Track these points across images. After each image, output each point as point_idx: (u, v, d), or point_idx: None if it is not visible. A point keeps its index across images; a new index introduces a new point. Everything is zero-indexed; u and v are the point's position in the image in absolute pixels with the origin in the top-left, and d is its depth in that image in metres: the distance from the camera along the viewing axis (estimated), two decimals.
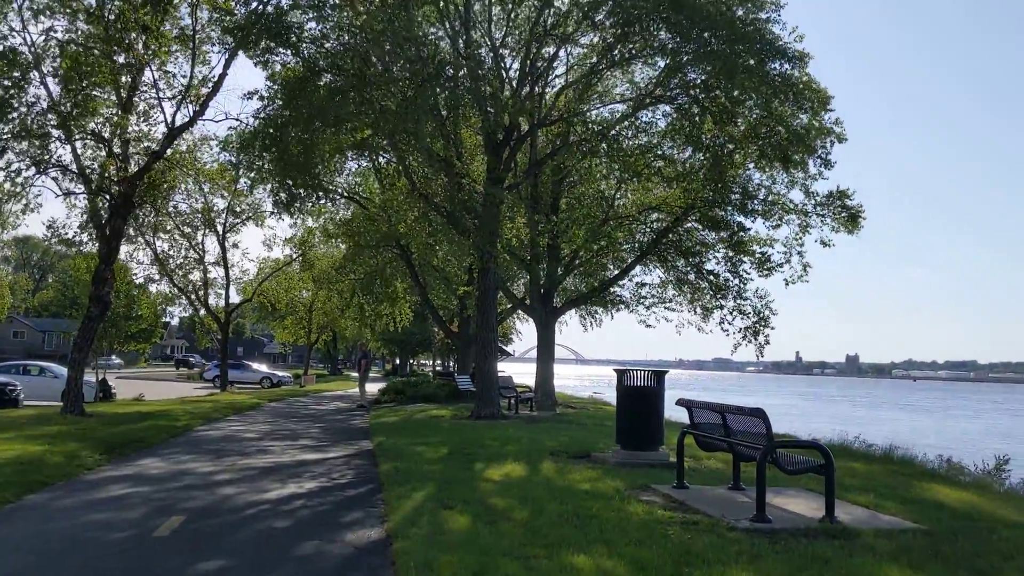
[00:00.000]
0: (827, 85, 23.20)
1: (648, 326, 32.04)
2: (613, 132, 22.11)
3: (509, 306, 36.69)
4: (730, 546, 7.38)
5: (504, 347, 62.48)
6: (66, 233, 24.20)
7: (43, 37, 18.89)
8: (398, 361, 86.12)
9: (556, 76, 25.28)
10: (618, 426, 13.28)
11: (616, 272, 30.48)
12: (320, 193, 24.63)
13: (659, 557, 6.90)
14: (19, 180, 19.69)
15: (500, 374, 26.02)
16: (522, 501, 9.42)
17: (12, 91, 18.58)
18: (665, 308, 30.97)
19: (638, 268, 30.13)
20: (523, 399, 26.75)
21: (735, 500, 9.81)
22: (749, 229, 26.96)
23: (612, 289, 30.93)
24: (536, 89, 23.06)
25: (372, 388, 37.41)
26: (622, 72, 25.31)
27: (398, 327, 44.46)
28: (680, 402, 11.35)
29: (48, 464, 11.94)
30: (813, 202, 25.79)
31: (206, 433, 18.96)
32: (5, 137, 18.90)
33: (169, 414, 22.21)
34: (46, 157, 20.13)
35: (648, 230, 28.96)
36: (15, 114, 18.88)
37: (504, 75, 22.52)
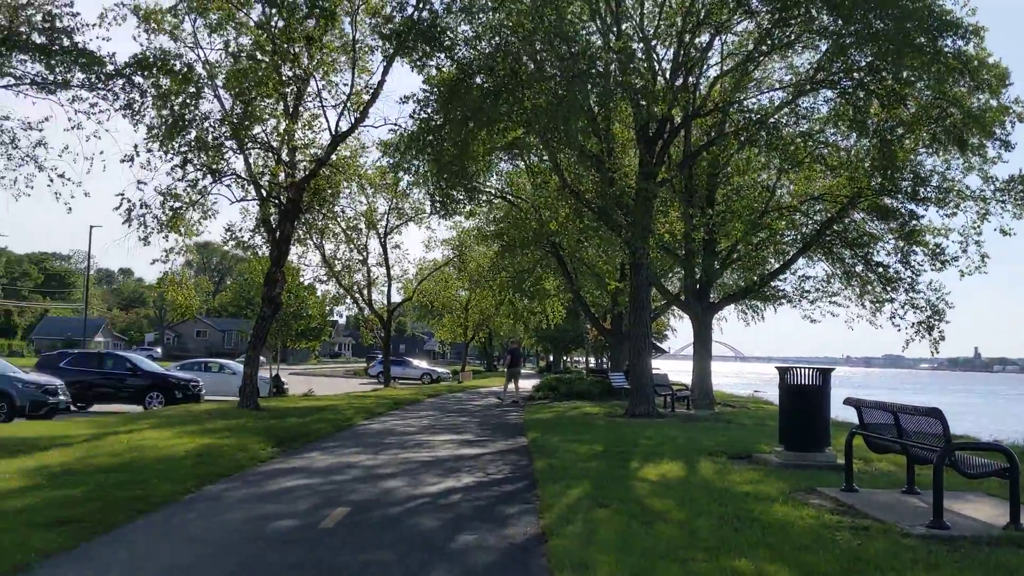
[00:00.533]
0: (1005, 60, 21.54)
1: (812, 321, 30.80)
2: (772, 120, 21.30)
3: (663, 302, 36.08)
4: (904, 553, 6.93)
5: (658, 344, 61.66)
6: (242, 237, 25.67)
7: (215, 53, 20.04)
8: (551, 358, 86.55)
9: (710, 66, 24.65)
10: (781, 426, 12.79)
11: (777, 265, 29.40)
12: (473, 194, 25.00)
13: (827, 563, 6.56)
14: (197, 189, 20.99)
15: (655, 371, 25.63)
16: (679, 502, 9.20)
17: (188, 106, 19.78)
18: (830, 302, 29.63)
19: (801, 261, 28.95)
20: (679, 397, 26.25)
21: (909, 505, 9.22)
22: (922, 217, 25.36)
23: (773, 283, 29.85)
24: (690, 79, 22.53)
25: (525, 384, 37.65)
26: (780, 57, 24.39)
27: (551, 324, 44.66)
28: (848, 401, 10.78)
29: (225, 456, 12.66)
30: (992, 187, 24.00)
31: (369, 427, 19.64)
32: (184, 150, 20.15)
33: (335, 408, 23.17)
34: (221, 167, 21.35)
35: (811, 221, 27.76)
36: (192, 128, 20.10)
37: (656, 67, 22.14)
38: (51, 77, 13.60)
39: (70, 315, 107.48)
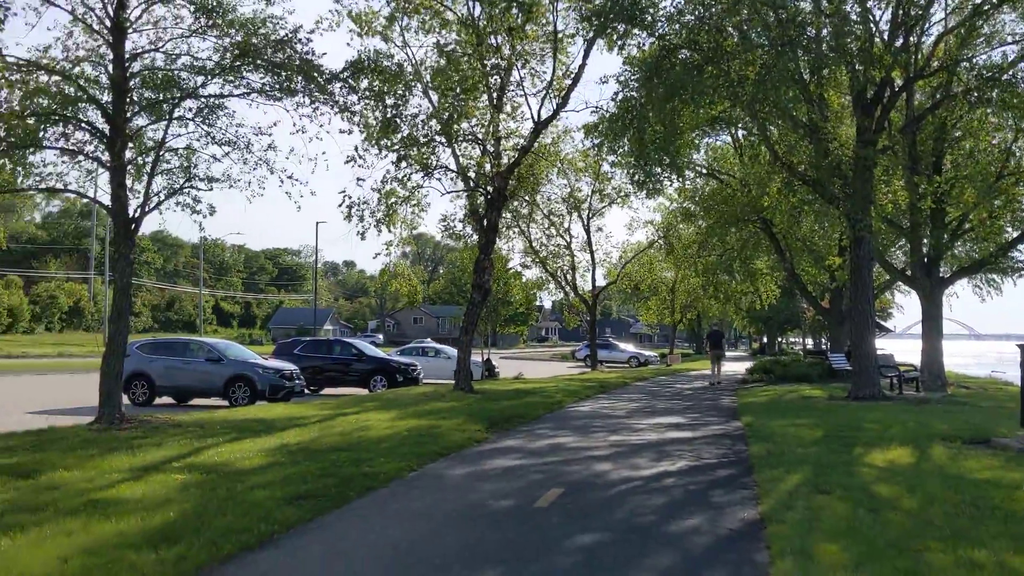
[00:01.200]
0: None
1: None
2: (1006, 77, 19.40)
3: (887, 278, 33.94)
4: None
5: (882, 323, 58.05)
6: (454, 227, 26.63)
7: (422, 51, 20.86)
8: (764, 340, 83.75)
9: (933, 23, 22.79)
10: (1023, 408, 11.70)
11: (1016, 234, 26.84)
12: (677, 172, 24.51)
13: None
14: (410, 184, 21.97)
15: (879, 351, 24.17)
16: (909, 489, 8.63)
17: (400, 106, 20.64)
18: None
19: None
20: (906, 379, 24.62)
21: None
22: None
23: (1012, 254, 27.28)
24: (911, 39, 20.92)
25: (738, 367, 36.85)
26: (1011, 7, 22.15)
27: (763, 304, 43.15)
28: None
29: (444, 436, 13.21)
30: None
31: (578, 409, 19.84)
32: (397, 147, 21.10)
33: (544, 391, 23.60)
34: (431, 162, 22.21)
35: None
36: (405, 126, 20.99)
37: (873, 28, 20.73)
38: (277, 86, 14.62)
39: (301, 305, 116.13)
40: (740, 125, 26.90)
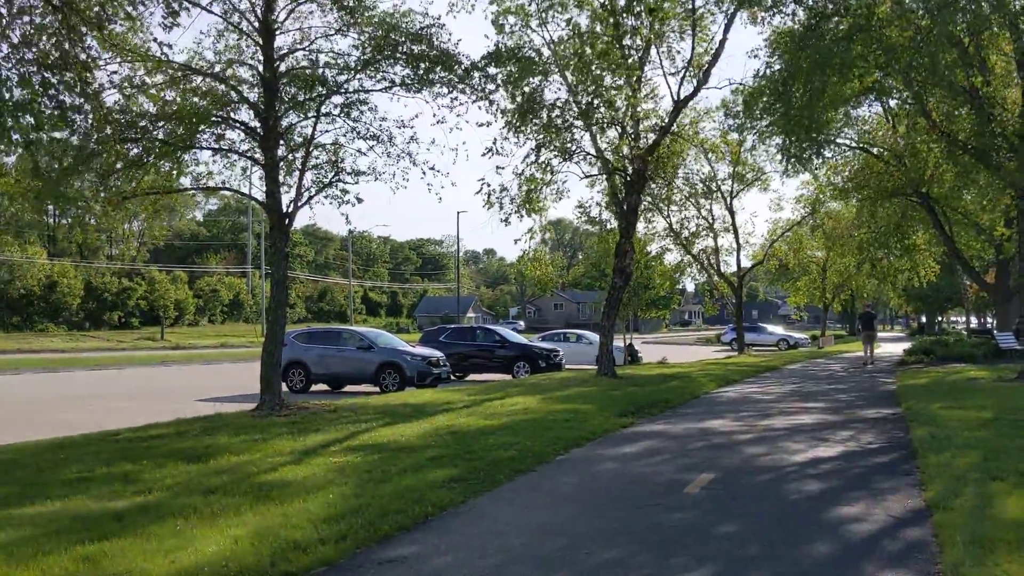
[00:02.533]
0: None
1: None
2: None
3: None
4: None
5: None
6: (591, 211, 26.50)
7: (560, 32, 20.68)
8: (924, 319, 79.48)
9: None
10: None
11: None
12: (824, 146, 23.48)
13: None
14: (549, 169, 21.95)
15: None
16: None
17: (538, 91, 20.63)
18: None
19: None
20: None
21: None
22: None
23: None
24: None
25: (895, 348, 35.22)
26: None
27: (922, 282, 40.92)
28: None
29: (589, 420, 13.21)
30: None
31: (725, 394, 19.43)
32: (537, 135, 21.10)
33: (689, 376, 23.24)
34: (570, 147, 22.14)
35: None
36: (543, 111, 20.96)
37: None
38: (416, 78, 14.96)
39: (445, 294, 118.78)
40: (893, 95, 25.48)
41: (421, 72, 14.88)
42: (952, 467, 8.79)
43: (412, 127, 15.61)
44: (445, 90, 15.27)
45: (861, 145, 30.92)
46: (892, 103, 28.36)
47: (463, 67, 15.10)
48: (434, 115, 15.32)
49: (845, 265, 50.08)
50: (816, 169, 27.07)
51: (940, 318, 78.68)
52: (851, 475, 9.20)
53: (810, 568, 5.86)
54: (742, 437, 12.09)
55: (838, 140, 29.00)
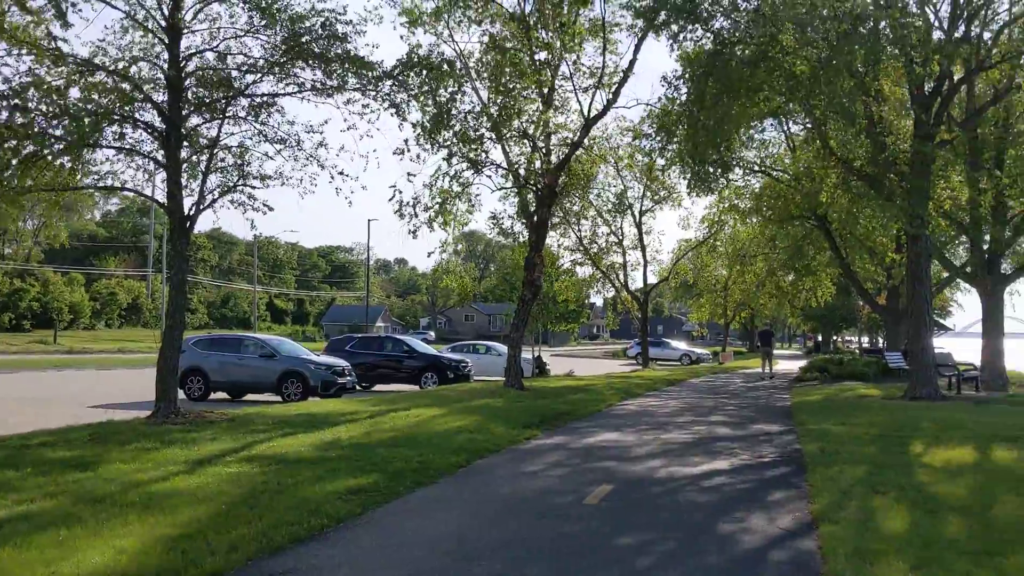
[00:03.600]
0: None
1: None
2: None
3: (946, 275, 33.17)
4: None
5: (941, 321, 56.74)
6: (503, 224, 26.59)
7: (470, 46, 20.81)
8: (819, 338, 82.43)
9: (996, 13, 22.13)
10: None
11: None
12: (728, 169, 24.16)
13: None
14: (460, 180, 21.94)
15: (938, 350, 23.61)
16: (970, 491, 8.42)
17: (453, 101, 20.61)
18: None
19: None
20: (966, 378, 23.98)
21: None
22: None
23: None
24: (972, 30, 20.35)
25: (791, 365, 36.54)
26: None
27: (819, 302, 42.49)
28: None
29: (493, 432, 13.23)
30: None
31: (628, 407, 19.72)
32: (449, 143, 21.06)
33: (595, 389, 23.52)
34: (481, 158, 22.18)
35: None
36: (456, 122, 20.94)
37: (932, 18, 20.21)
38: (328, 82, 14.78)
39: (354, 303, 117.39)
40: (794, 120, 26.46)
41: (332, 76, 14.70)
42: (839, 481, 9.12)
43: (322, 132, 15.36)
44: (357, 96, 15.13)
45: (764, 169, 31.97)
46: (794, 129, 29.46)
47: (375, 74, 14.99)
48: (345, 120, 15.15)
49: (746, 284, 51.57)
50: (719, 191, 27.83)
51: (835, 337, 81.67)
52: (744, 488, 9.44)
53: None
54: (642, 450, 12.28)
55: (742, 163, 29.92)
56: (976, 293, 27.58)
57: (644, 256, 43.95)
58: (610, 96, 22.68)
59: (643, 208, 42.59)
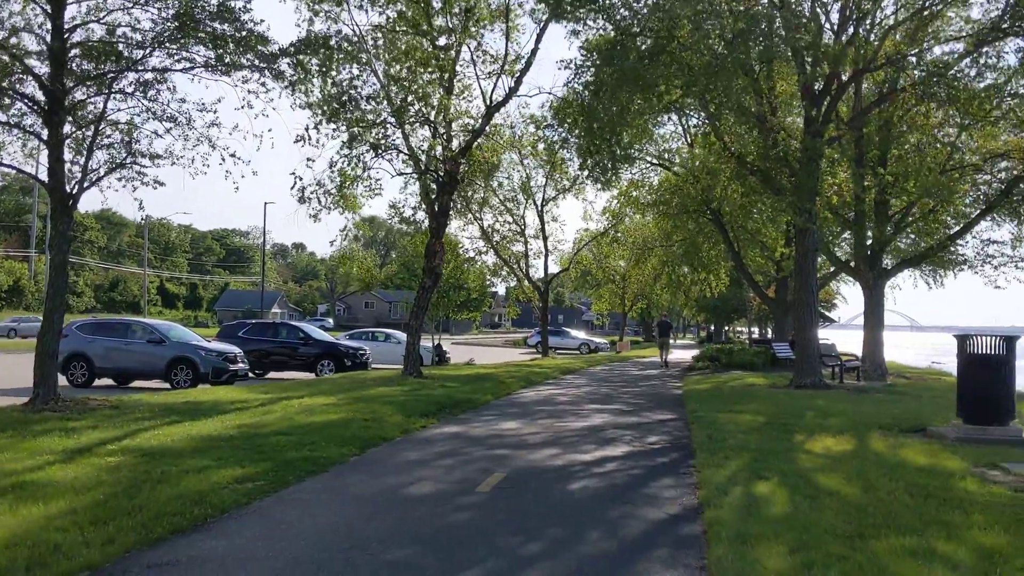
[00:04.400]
0: None
1: (997, 287, 28.65)
2: (952, 73, 19.75)
3: (831, 269, 34.54)
4: None
5: (826, 313, 59.12)
6: (404, 211, 26.29)
7: (372, 28, 20.38)
8: (712, 328, 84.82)
9: (882, 17, 23.09)
10: (960, 398, 11.96)
11: (957, 228, 27.45)
12: (625, 161, 24.49)
13: (1010, 545, 6.05)
14: (360, 164, 21.53)
15: (822, 341, 24.60)
16: (847, 477, 8.76)
17: (351, 87, 20.18)
18: (1017, 268, 27.44)
19: (984, 223, 26.95)
20: (848, 368, 25.06)
21: None
22: None
23: (952, 248, 27.92)
24: (860, 32, 21.17)
25: (685, 355, 37.54)
26: (957, 8, 22.57)
27: (713, 294, 43.68)
28: None
29: (388, 421, 13.09)
30: None
31: (527, 395, 19.85)
32: (348, 128, 20.63)
33: (494, 377, 23.57)
34: (382, 142, 21.84)
35: (996, 180, 25.72)
36: (353, 106, 20.50)
37: (823, 21, 20.94)
38: (225, 59, 14.28)
39: (249, 288, 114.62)
40: (691, 115, 27.04)
41: (226, 53, 14.22)
42: (725, 467, 9.37)
43: (215, 111, 14.84)
44: (252, 74, 14.69)
45: (662, 163, 32.58)
46: (691, 123, 30.11)
47: (270, 51, 14.57)
48: (241, 99, 14.69)
49: (644, 275, 52.57)
50: (615, 184, 28.19)
51: (727, 328, 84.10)
52: (635, 474, 9.60)
53: (587, 564, 6.04)
54: (537, 438, 12.36)
55: (641, 156, 30.43)
56: (859, 286, 28.81)
57: (546, 246, 44.35)
58: (512, 84, 22.70)
59: (545, 197, 42.93)
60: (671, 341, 38.98)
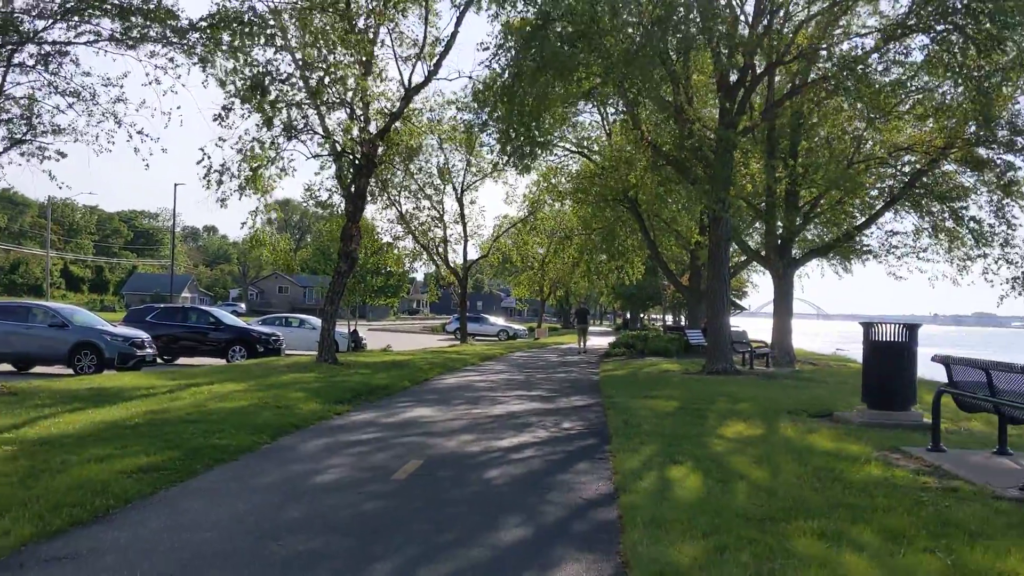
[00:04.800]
0: None
1: (898, 278, 29.76)
2: (860, 67, 20.31)
3: (743, 258, 35.36)
4: (997, 518, 6.57)
5: (737, 301, 60.58)
6: (320, 195, 25.75)
7: (288, 4, 19.69)
8: (628, 315, 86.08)
9: (795, 11, 23.61)
10: (864, 383, 12.35)
11: (863, 220, 28.39)
12: (546, 147, 24.50)
13: (912, 526, 6.25)
14: (273, 146, 20.90)
15: (733, 329, 25.14)
16: (757, 461, 8.94)
17: (267, 70, 19.50)
18: (918, 259, 28.54)
19: (888, 215, 27.92)
20: (758, 355, 25.70)
21: (1001, 466, 8.78)
22: (1021, 169, 24.12)
23: (858, 238, 28.87)
24: (774, 25, 21.60)
25: (601, 341, 38.03)
26: (866, 3, 23.25)
27: (630, 281, 44.25)
28: (936, 358, 10.27)
29: (301, 408, 12.83)
30: None
31: (444, 382, 19.75)
32: (264, 109, 19.96)
33: (411, 364, 23.38)
34: (297, 124, 21.25)
35: (899, 173, 26.67)
36: (273, 88, 19.85)
37: (738, 12, 21.30)
38: (130, 32, 13.69)
39: (159, 271, 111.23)
40: (609, 103, 27.20)
41: (133, 26, 13.63)
42: (640, 453, 9.47)
43: (121, 86, 14.26)
44: (160, 49, 14.13)
45: (581, 150, 32.76)
46: (609, 112, 30.33)
47: (180, 25, 14.03)
48: (148, 75, 14.12)
49: (563, 262, 52.87)
50: (534, 169, 28.20)
51: (642, 315, 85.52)
52: (552, 460, 9.62)
53: (503, 552, 6.00)
54: (455, 425, 12.28)
55: (560, 142, 30.54)
56: (769, 275, 29.56)
57: (465, 231, 44.18)
58: (432, 67, 22.45)
59: (465, 182, 42.74)
60: (589, 328, 39.54)
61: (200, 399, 13.31)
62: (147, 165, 16.97)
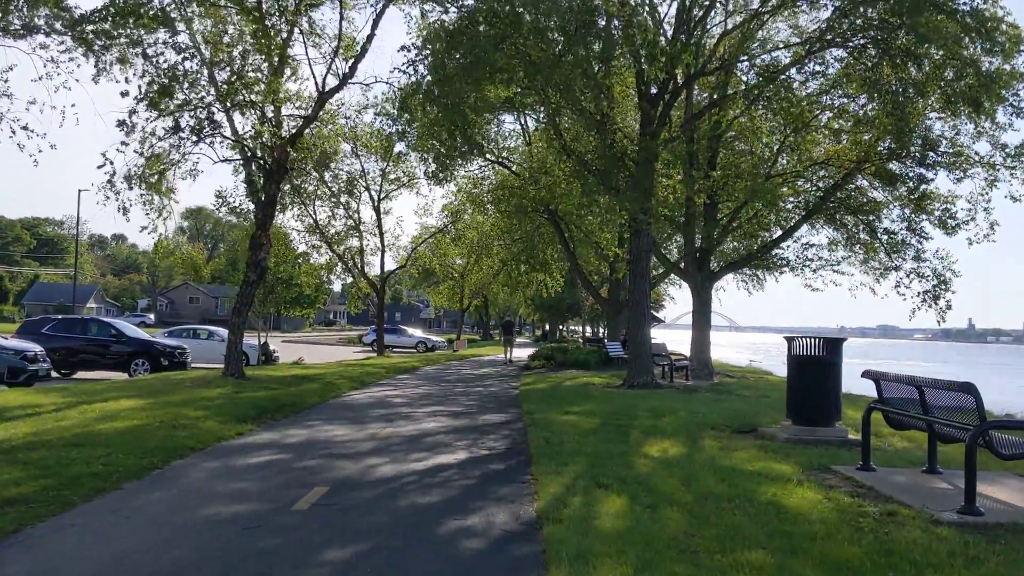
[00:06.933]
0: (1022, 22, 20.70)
1: (815, 290, 30.09)
2: (778, 80, 20.39)
3: (662, 270, 35.38)
4: (940, 545, 6.24)
5: (655, 313, 61.06)
6: (232, 202, 24.66)
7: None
8: (547, 327, 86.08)
9: (714, 24, 23.68)
10: (789, 399, 12.10)
11: (780, 233, 28.64)
12: (475, 147, 23.85)
13: (855, 557, 5.86)
14: (179, 149, 19.82)
15: (653, 341, 24.97)
16: (684, 482, 8.52)
17: (176, 72, 18.42)
18: (833, 271, 28.91)
19: (804, 228, 28.21)
20: (678, 367, 25.59)
21: (933, 486, 8.54)
22: (931, 182, 24.60)
23: (775, 251, 29.11)
24: (693, 37, 21.53)
25: (521, 353, 37.76)
26: (784, 18, 23.44)
27: (549, 293, 43.98)
28: (867, 374, 10.02)
29: (199, 428, 11.94)
30: (1003, 154, 23.26)
31: (358, 398, 18.95)
32: (172, 112, 18.88)
33: (324, 378, 22.45)
34: (205, 126, 20.22)
35: (815, 187, 26.99)
36: (180, 90, 18.78)
37: (659, 23, 21.14)
38: (13, 21, 12.63)
39: (63, 281, 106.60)
40: (531, 114, 26.83)
41: (17, 17, 12.59)
42: (563, 475, 8.93)
43: (6, 80, 13.14)
44: (50, 40, 13.09)
45: (500, 160, 32.30)
46: (529, 122, 30.00)
47: (71, 16, 13.02)
48: (39, 70, 13.07)
49: (483, 273, 52.36)
50: (457, 180, 27.66)
51: (561, 327, 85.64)
52: (469, 484, 9.02)
53: None
54: (365, 446, 11.56)
55: (481, 152, 30.02)
56: (687, 288, 29.55)
57: (382, 242, 43.17)
58: (347, 70, 21.67)
59: (382, 191, 41.81)
60: (515, 339, 39.24)
61: (88, 418, 12.29)
62: (36, 162, 15.62)
